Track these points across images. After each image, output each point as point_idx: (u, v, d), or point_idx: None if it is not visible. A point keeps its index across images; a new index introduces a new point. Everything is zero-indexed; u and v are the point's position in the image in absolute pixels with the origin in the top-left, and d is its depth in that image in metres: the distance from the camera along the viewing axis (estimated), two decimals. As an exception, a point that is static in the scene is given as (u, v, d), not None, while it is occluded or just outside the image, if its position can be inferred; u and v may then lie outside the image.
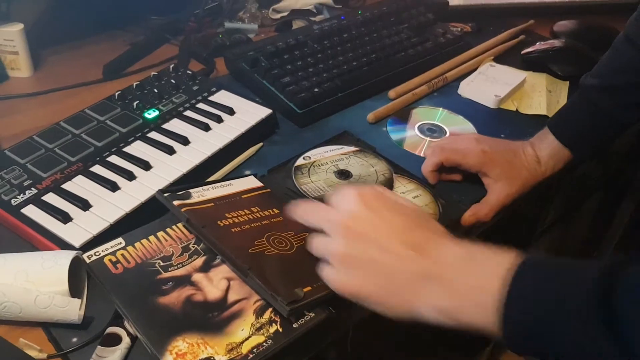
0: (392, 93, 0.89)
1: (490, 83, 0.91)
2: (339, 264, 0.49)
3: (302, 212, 0.54)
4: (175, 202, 0.60)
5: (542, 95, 0.92)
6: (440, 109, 0.88)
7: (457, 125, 0.85)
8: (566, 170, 0.74)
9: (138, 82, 0.81)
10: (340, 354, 0.78)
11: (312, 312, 0.53)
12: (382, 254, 0.47)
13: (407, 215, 0.49)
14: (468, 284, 0.43)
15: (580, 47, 0.98)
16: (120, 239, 0.58)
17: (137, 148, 0.71)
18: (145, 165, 0.68)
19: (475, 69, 0.96)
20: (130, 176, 0.66)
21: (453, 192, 0.72)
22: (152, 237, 0.59)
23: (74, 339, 0.53)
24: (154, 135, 0.73)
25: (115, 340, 0.52)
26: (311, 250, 0.53)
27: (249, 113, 0.78)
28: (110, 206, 0.62)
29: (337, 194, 0.52)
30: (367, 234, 0.48)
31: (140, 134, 0.73)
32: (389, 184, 0.70)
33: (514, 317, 0.41)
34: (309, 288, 0.53)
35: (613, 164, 1.25)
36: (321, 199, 0.67)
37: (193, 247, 0.59)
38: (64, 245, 0.58)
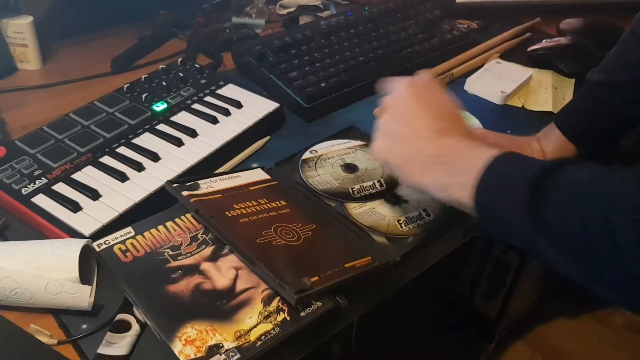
0: (398, 88, 0.90)
1: (496, 79, 0.92)
2: (380, 133, 0.59)
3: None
4: (184, 193, 0.61)
5: (548, 92, 0.92)
6: (446, 104, 0.88)
7: (463, 120, 0.85)
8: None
9: (147, 75, 0.81)
10: (344, 349, 0.79)
11: (319, 301, 0.54)
12: (411, 132, 0.56)
13: (439, 107, 0.58)
14: (463, 167, 0.51)
15: (586, 45, 0.99)
16: (129, 228, 0.59)
17: (146, 140, 0.71)
18: (154, 157, 0.68)
19: (482, 66, 0.96)
20: (139, 167, 0.67)
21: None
22: (161, 227, 0.60)
23: (84, 326, 0.53)
24: (162, 127, 0.73)
25: (124, 326, 0.52)
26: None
27: (256, 107, 0.79)
28: (119, 196, 0.63)
29: (396, 80, 0.62)
30: (406, 114, 0.57)
31: (148, 126, 0.73)
32: (395, 178, 0.71)
33: (479, 199, 0.49)
34: (316, 278, 0.53)
35: (617, 162, 1.25)
36: (329, 191, 0.67)
37: (201, 237, 0.60)
38: (73, 233, 0.59)
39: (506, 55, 1.00)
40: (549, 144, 0.72)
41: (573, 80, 0.95)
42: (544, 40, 1.02)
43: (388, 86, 0.62)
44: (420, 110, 0.57)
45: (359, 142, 0.76)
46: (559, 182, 0.44)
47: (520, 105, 0.90)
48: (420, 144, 0.55)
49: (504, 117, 0.87)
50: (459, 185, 0.51)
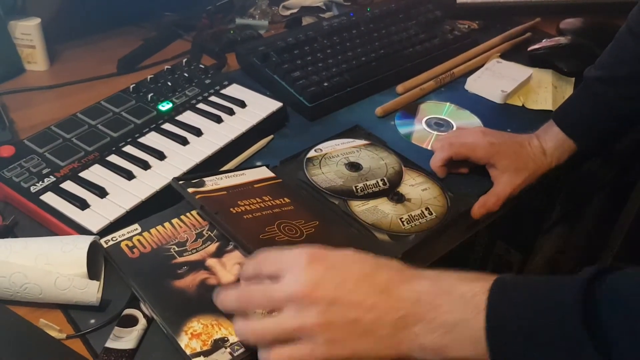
0: (400, 88, 0.91)
1: (496, 79, 0.93)
2: (319, 337, 0.44)
3: (247, 297, 0.48)
4: (190, 190, 0.62)
5: (548, 91, 0.93)
6: (448, 103, 0.89)
7: (463, 119, 0.86)
8: (572, 165, 0.75)
9: (152, 76, 0.82)
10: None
11: (322, 296, 0.55)
12: (358, 311, 0.43)
13: (362, 262, 0.47)
14: (450, 320, 0.42)
15: (586, 44, 1.00)
16: (136, 225, 0.60)
17: (152, 139, 0.72)
18: (160, 155, 0.69)
19: (482, 65, 0.97)
20: (145, 165, 0.68)
21: (460, 185, 0.73)
22: (167, 224, 0.61)
23: (92, 321, 0.54)
24: (167, 126, 0.75)
25: (132, 321, 0.53)
26: (246, 340, 0.48)
27: (260, 106, 0.80)
28: (126, 194, 0.64)
29: (276, 259, 0.48)
30: (336, 295, 0.44)
31: (154, 125, 0.75)
32: (399, 177, 0.72)
33: (500, 347, 0.40)
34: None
35: (618, 163, 1.26)
36: (333, 189, 0.68)
37: (207, 233, 0.61)
38: (81, 230, 0.60)
39: (506, 55, 1.01)
40: (548, 140, 0.73)
41: (573, 79, 0.96)
42: (543, 40, 1.03)
43: (266, 266, 0.48)
44: (346, 279, 0.45)
45: (363, 141, 0.77)
46: (608, 300, 0.37)
47: (521, 104, 0.91)
48: (374, 317, 0.43)
49: (504, 116, 0.88)
50: (460, 341, 0.41)
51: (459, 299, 0.42)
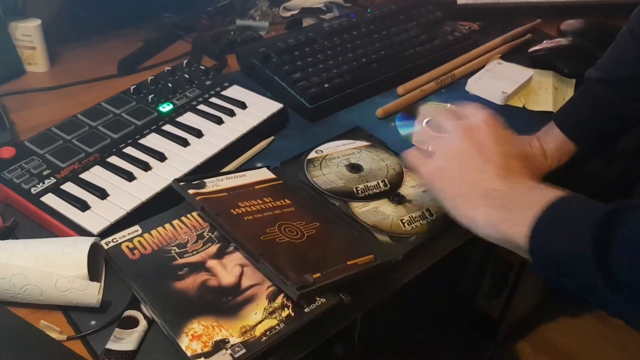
0: (400, 89, 0.91)
1: (497, 80, 0.93)
2: (444, 158, 0.58)
3: (439, 113, 0.63)
4: (191, 191, 0.62)
5: (548, 92, 0.93)
6: (448, 105, 0.89)
7: (464, 121, 0.86)
8: (573, 166, 0.75)
9: (153, 77, 0.82)
10: (347, 349, 0.79)
11: (322, 297, 0.55)
12: (478, 162, 0.55)
13: (513, 146, 0.58)
14: (521, 204, 0.50)
15: (586, 45, 1.00)
16: (137, 227, 0.60)
17: (152, 140, 0.72)
18: (161, 157, 0.69)
19: (483, 67, 0.97)
20: (146, 167, 0.68)
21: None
22: (167, 225, 0.61)
23: (93, 322, 0.54)
24: (168, 128, 0.75)
25: (132, 323, 0.53)
26: (417, 137, 0.66)
27: (260, 107, 0.80)
28: (127, 195, 0.64)
29: (469, 107, 0.61)
30: (480, 149, 0.56)
31: (155, 126, 0.75)
32: (399, 178, 0.72)
33: (535, 237, 0.48)
34: (318, 275, 0.54)
35: (619, 164, 1.26)
36: (334, 191, 0.68)
37: (207, 235, 0.61)
38: (82, 232, 0.60)
39: (507, 56, 1.01)
40: (549, 142, 0.73)
41: (573, 80, 0.96)
42: (544, 41, 1.03)
43: (464, 111, 0.61)
44: (495, 145, 0.56)
45: (364, 143, 0.77)
46: (630, 223, 0.43)
47: (521, 106, 0.91)
48: (483, 177, 0.54)
49: (505, 117, 0.86)
50: (514, 221, 0.50)
51: (536, 195, 0.50)
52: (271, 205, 0.64)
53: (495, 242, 0.52)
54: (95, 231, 0.60)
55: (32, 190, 0.64)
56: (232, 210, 0.61)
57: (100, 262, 0.58)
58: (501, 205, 0.52)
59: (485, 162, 0.55)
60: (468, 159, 0.56)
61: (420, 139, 0.64)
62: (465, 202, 0.54)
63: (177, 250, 0.58)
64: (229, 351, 0.49)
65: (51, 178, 0.65)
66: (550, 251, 0.47)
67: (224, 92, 0.82)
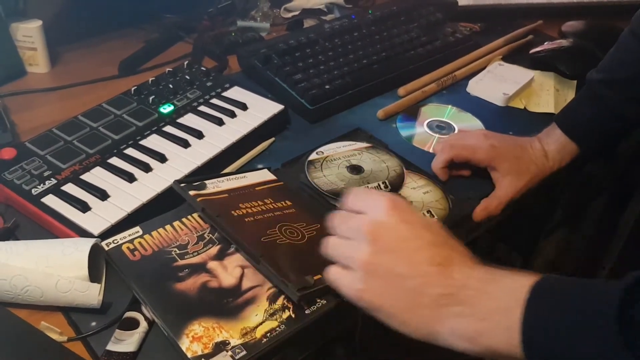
0: (401, 90, 0.91)
1: (498, 81, 0.93)
2: (360, 270, 0.47)
3: (336, 220, 0.52)
4: (191, 192, 0.62)
5: (550, 93, 0.93)
6: (449, 106, 0.89)
7: (465, 122, 0.86)
8: (574, 167, 0.75)
9: (153, 78, 0.82)
10: (348, 349, 0.79)
11: (323, 299, 0.55)
12: (409, 269, 0.46)
13: (435, 232, 0.48)
14: (491, 307, 0.43)
15: (588, 47, 0.99)
16: (137, 228, 0.60)
17: (153, 141, 0.72)
18: (161, 158, 0.69)
19: (484, 68, 0.97)
20: (146, 168, 0.68)
21: (462, 188, 0.73)
22: (168, 226, 0.61)
23: (93, 323, 0.54)
24: (169, 129, 0.75)
25: (133, 324, 0.53)
26: (326, 251, 0.51)
27: (261, 108, 0.80)
28: (127, 196, 0.64)
29: (366, 197, 0.51)
30: (398, 246, 0.47)
31: (156, 127, 0.74)
32: (400, 180, 0.72)
33: (534, 339, 0.40)
34: (319, 276, 0.54)
35: (620, 165, 1.26)
36: (335, 192, 0.68)
37: (208, 236, 0.61)
38: (83, 233, 0.60)
39: (508, 58, 1.01)
40: (551, 143, 0.73)
41: (575, 82, 0.96)
42: (545, 43, 1.03)
43: (357, 202, 0.51)
44: (414, 238, 0.47)
45: (365, 144, 0.77)
46: None
47: (522, 107, 0.91)
48: (422, 282, 0.45)
49: (506, 119, 0.88)
50: (492, 332, 0.42)
51: (505, 289, 0.43)
52: (272, 207, 0.63)
53: (479, 355, 0.44)
54: (95, 232, 0.59)
55: (32, 191, 0.64)
56: (232, 212, 0.61)
57: (100, 263, 0.58)
58: (463, 313, 0.44)
59: (414, 265, 0.46)
60: (395, 267, 0.46)
61: (331, 251, 0.51)
62: (416, 317, 0.46)
63: (178, 252, 0.58)
64: (230, 353, 0.49)
65: (52, 179, 0.65)
66: (557, 349, 0.39)
67: (224, 93, 0.82)
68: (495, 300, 0.43)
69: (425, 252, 0.46)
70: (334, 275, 0.50)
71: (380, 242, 0.47)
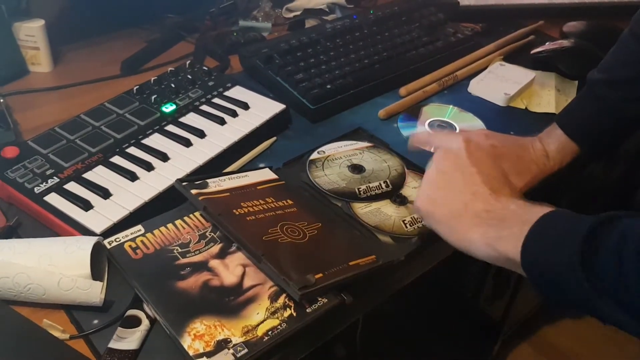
0: (403, 90, 0.91)
1: (500, 81, 0.93)
2: (430, 183, 0.59)
3: (429, 136, 0.67)
4: (193, 191, 0.62)
5: (551, 94, 0.93)
6: (451, 106, 0.89)
7: (466, 122, 0.86)
8: (574, 167, 0.75)
9: (155, 77, 0.83)
10: (349, 350, 0.80)
11: (324, 298, 0.55)
12: (465, 186, 0.56)
13: (495, 168, 0.59)
14: (514, 222, 0.51)
15: (589, 47, 1.00)
16: (139, 226, 0.60)
17: (155, 140, 0.73)
18: (163, 157, 0.70)
19: (485, 68, 0.97)
20: (148, 167, 0.68)
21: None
22: (170, 225, 0.61)
23: (95, 321, 0.55)
24: (171, 128, 0.75)
25: (135, 322, 0.54)
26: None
27: (263, 108, 0.80)
28: (129, 195, 0.64)
29: (450, 134, 0.65)
30: (462, 168, 0.58)
31: (158, 126, 0.75)
32: (401, 179, 0.72)
33: (527, 253, 0.49)
34: (320, 275, 0.54)
35: (621, 165, 1.26)
36: (336, 191, 0.69)
37: (210, 234, 0.61)
38: (85, 231, 0.60)
39: (509, 58, 1.01)
40: (551, 143, 0.73)
41: (576, 82, 0.96)
42: (547, 43, 1.03)
43: (441, 139, 0.63)
44: (478, 167, 0.57)
45: (366, 144, 0.77)
46: (615, 233, 0.44)
47: (524, 107, 0.91)
48: (473, 199, 0.55)
49: (507, 119, 0.88)
50: (508, 239, 0.50)
51: (528, 212, 0.51)
52: (273, 206, 0.64)
53: (494, 262, 0.53)
54: (98, 231, 0.60)
55: (35, 189, 0.64)
56: (234, 211, 0.61)
57: (103, 261, 0.58)
58: (495, 224, 0.53)
59: (469, 185, 0.56)
60: (454, 184, 0.57)
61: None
62: (459, 224, 0.55)
63: (180, 250, 0.59)
64: (231, 351, 0.49)
65: (54, 178, 0.66)
66: (541, 265, 0.48)
67: (226, 93, 0.83)
68: (519, 219, 0.51)
69: (482, 178, 0.56)
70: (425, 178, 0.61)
71: (447, 164, 0.59)
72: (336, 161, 0.74)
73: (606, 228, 0.45)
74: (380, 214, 0.67)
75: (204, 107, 0.79)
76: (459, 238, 0.55)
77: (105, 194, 0.64)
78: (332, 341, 0.60)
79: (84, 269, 0.54)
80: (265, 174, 0.70)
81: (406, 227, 0.65)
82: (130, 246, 0.58)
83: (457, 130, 0.84)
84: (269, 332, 0.51)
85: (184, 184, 0.63)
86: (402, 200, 0.69)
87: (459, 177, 0.57)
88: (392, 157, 0.75)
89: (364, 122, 0.83)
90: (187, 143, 0.72)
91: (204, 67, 0.87)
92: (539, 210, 0.50)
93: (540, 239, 0.49)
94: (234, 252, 0.59)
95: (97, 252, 0.57)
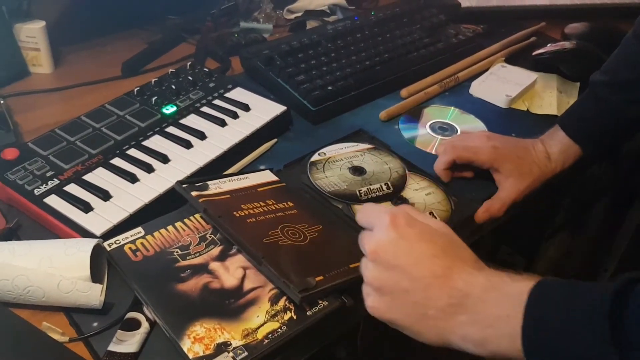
0: (404, 92, 0.91)
1: (501, 83, 0.93)
2: (371, 288, 0.50)
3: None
4: (193, 193, 0.62)
5: (552, 95, 0.93)
6: (452, 108, 0.89)
7: (468, 124, 0.86)
8: (576, 169, 0.75)
9: (156, 79, 0.82)
10: (350, 352, 0.79)
11: (325, 300, 0.54)
12: (411, 284, 0.47)
13: (434, 242, 0.49)
14: (494, 314, 0.44)
15: (590, 49, 0.99)
16: (139, 229, 0.60)
17: (156, 142, 0.73)
18: (164, 159, 0.69)
19: (487, 70, 0.97)
20: (149, 169, 0.68)
21: (464, 189, 0.73)
22: (170, 227, 0.61)
23: (95, 324, 0.54)
24: (171, 130, 0.75)
25: (134, 325, 0.53)
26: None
27: (264, 110, 0.80)
28: (130, 197, 0.64)
29: (370, 214, 0.52)
30: (397, 263, 0.48)
31: (158, 128, 0.75)
32: (403, 181, 0.72)
33: (533, 344, 0.42)
34: (320, 277, 0.54)
35: (623, 166, 1.25)
36: (337, 193, 0.68)
37: (210, 237, 0.61)
38: (85, 233, 0.60)
39: (511, 59, 1.01)
40: (553, 145, 0.73)
41: (577, 84, 0.96)
42: (548, 45, 1.03)
43: (363, 219, 0.53)
44: (412, 252, 0.48)
45: (367, 145, 0.77)
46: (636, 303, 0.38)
47: (525, 109, 0.90)
48: (426, 295, 0.47)
49: (509, 121, 0.88)
50: (498, 339, 0.44)
51: (505, 296, 0.44)
52: (274, 208, 0.63)
53: (490, 357, 0.46)
54: (98, 233, 0.60)
55: (35, 191, 0.64)
56: (234, 213, 0.61)
57: (102, 263, 0.58)
58: (469, 321, 0.45)
59: (413, 278, 0.47)
60: (393, 282, 0.48)
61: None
62: (429, 330, 0.47)
63: (180, 252, 0.58)
64: (231, 354, 0.49)
65: (54, 179, 0.65)
66: (554, 351, 0.41)
67: (227, 95, 0.82)
68: (497, 308, 0.44)
69: (424, 265, 0.47)
70: (363, 292, 0.51)
71: (380, 260, 0.49)
72: (337, 163, 0.73)
73: (628, 299, 0.39)
74: (381, 216, 0.66)
75: (205, 109, 0.79)
76: (437, 342, 0.47)
77: (105, 195, 0.64)
78: (333, 344, 0.60)
79: (83, 271, 0.54)
80: (265, 176, 0.69)
81: (407, 229, 0.65)
82: (130, 248, 0.58)
83: (459, 132, 0.84)
84: (269, 335, 0.51)
85: (185, 186, 0.63)
86: (403, 203, 0.69)
87: (399, 273, 0.48)
88: (393, 159, 0.75)
89: (365, 124, 0.83)
90: (187, 145, 0.72)
91: (205, 69, 0.87)
92: (511, 289, 0.44)
93: (546, 327, 0.41)
94: (235, 254, 0.59)
95: (97, 255, 0.57)
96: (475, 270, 0.47)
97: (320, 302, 0.54)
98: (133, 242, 0.59)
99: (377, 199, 0.69)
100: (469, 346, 0.46)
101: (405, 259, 0.48)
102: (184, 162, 0.70)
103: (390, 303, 0.48)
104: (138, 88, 0.80)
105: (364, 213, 0.53)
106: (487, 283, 0.46)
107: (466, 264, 0.48)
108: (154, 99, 0.79)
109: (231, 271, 0.57)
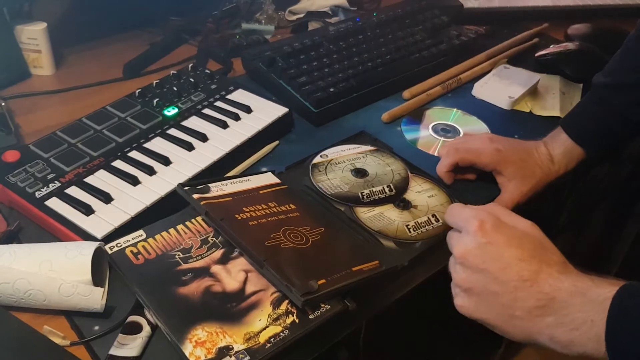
0: (406, 93, 0.90)
1: (504, 84, 0.92)
2: (460, 290, 0.52)
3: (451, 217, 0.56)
4: (195, 196, 0.62)
5: (555, 97, 0.92)
6: (454, 109, 0.89)
7: (470, 125, 0.86)
8: (579, 171, 0.75)
9: (158, 81, 0.82)
10: (352, 354, 0.79)
11: (327, 304, 0.54)
12: (499, 287, 0.49)
13: (522, 247, 0.50)
14: (579, 318, 0.45)
15: (593, 50, 0.99)
16: (141, 231, 0.60)
17: (157, 144, 0.72)
18: (165, 161, 0.69)
19: (489, 71, 0.97)
20: (150, 171, 0.68)
21: (467, 192, 0.73)
22: (172, 230, 0.61)
23: (96, 327, 0.54)
24: (173, 132, 0.74)
25: (136, 328, 0.53)
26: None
27: (265, 111, 0.79)
28: (131, 199, 0.64)
29: (459, 215, 0.54)
30: (486, 267, 0.50)
31: (160, 130, 0.74)
32: (405, 183, 0.72)
33: (618, 347, 0.43)
34: (323, 281, 0.54)
35: (626, 169, 1.25)
36: (339, 196, 0.68)
37: (212, 240, 0.60)
38: (86, 236, 0.60)
39: (514, 61, 1.01)
40: (556, 147, 0.73)
41: (580, 85, 0.96)
42: (551, 46, 1.02)
43: (453, 220, 0.55)
44: (500, 258, 0.49)
45: (369, 147, 0.77)
46: None
47: (528, 110, 0.90)
48: (514, 297, 0.48)
49: (512, 122, 0.88)
50: (585, 339, 0.45)
51: (590, 302, 0.45)
52: (276, 210, 0.63)
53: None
54: (99, 236, 0.59)
55: (36, 194, 0.63)
56: (236, 215, 0.60)
57: (104, 267, 0.58)
58: (556, 324, 0.47)
59: (501, 281, 0.49)
60: (482, 285, 0.50)
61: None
62: (517, 329, 0.49)
63: (182, 256, 0.58)
64: (233, 358, 0.49)
65: (55, 182, 0.65)
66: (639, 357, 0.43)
67: (229, 96, 0.82)
68: (582, 313, 0.45)
69: (512, 270, 0.49)
70: (452, 291, 0.54)
71: (469, 264, 0.51)
72: (339, 165, 0.73)
73: None
74: (384, 218, 0.66)
75: (207, 111, 0.79)
76: (526, 340, 0.49)
77: (106, 198, 0.63)
78: (335, 347, 0.59)
79: (85, 274, 0.54)
80: (267, 178, 0.69)
81: (410, 231, 0.65)
82: (131, 251, 0.58)
83: (461, 134, 0.83)
84: (272, 339, 0.51)
85: (186, 188, 0.63)
86: (405, 205, 0.68)
87: (489, 277, 0.49)
88: (395, 161, 0.75)
89: (367, 126, 0.83)
90: (189, 147, 0.72)
91: (207, 70, 0.87)
92: (595, 293, 0.45)
93: (631, 333, 0.43)
94: (236, 257, 0.59)
95: (98, 258, 0.57)
96: (561, 274, 0.48)
97: (322, 305, 0.54)
98: (134, 245, 0.59)
99: (380, 202, 0.68)
100: (557, 347, 0.47)
101: (493, 264, 0.49)
102: (185, 165, 0.69)
103: (479, 303, 0.51)
104: (139, 90, 0.80)
105: (452, 214, 0.55)
106: (573, 288, 0.47)
107: (553, 268, 0.48)
108: (155, 101, 0.78)
109: (233, 274, 0.57)
